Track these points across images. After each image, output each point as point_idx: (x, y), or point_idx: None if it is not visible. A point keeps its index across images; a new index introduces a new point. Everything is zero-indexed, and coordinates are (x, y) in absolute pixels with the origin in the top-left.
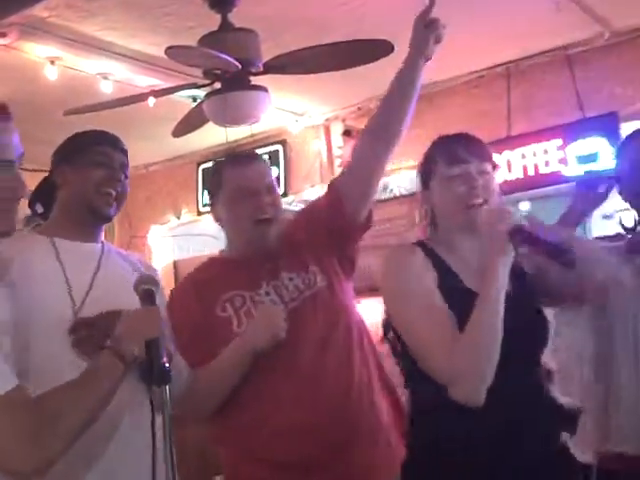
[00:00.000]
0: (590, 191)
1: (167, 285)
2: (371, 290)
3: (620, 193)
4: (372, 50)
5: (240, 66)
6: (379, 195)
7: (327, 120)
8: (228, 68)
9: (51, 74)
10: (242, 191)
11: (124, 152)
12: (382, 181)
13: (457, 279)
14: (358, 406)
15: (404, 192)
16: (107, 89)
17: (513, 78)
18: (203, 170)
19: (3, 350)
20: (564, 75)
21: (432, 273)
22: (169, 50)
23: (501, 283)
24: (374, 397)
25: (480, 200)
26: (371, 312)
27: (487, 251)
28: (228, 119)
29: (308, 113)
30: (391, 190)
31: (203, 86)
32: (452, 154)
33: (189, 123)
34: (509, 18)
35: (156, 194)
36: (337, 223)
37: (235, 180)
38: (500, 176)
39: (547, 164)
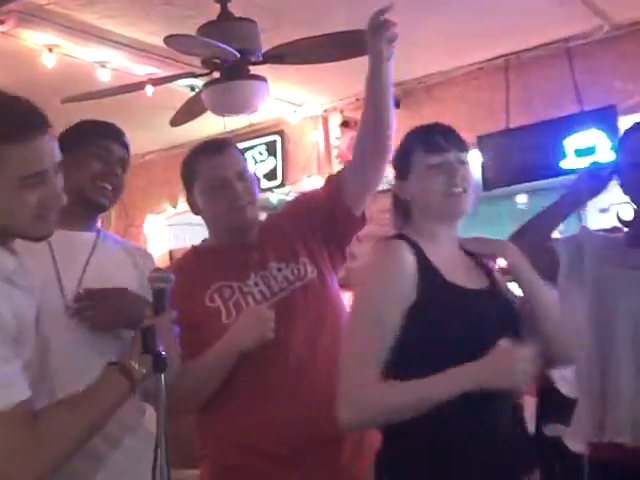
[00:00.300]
0: (594, 178)
1: None
2: None
3: (621, 186)
4: None
5: (239, 55)
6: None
7: (325, 111)
8: (227, 57)
9: (49, 61)
10: (216, 181)
11: (125, 146)
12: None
13: (438, 274)
14: None
15: None
16: (105, 77)
17: (512, 70)
18: None
19: (24, 357)
20: (563, 68)
21: (411, 278)
22: (168, 39)
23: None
24: None
25: (460, 189)
26: None
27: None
28: (226, 108)
29: (306, 104)
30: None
31: (202, 75)
32: (431, 143)
33: (187, 112)
34: (509, 10)
35: (153, 183)
36: (333, 216)
37: (208, 171)
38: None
39: (545, 157)
